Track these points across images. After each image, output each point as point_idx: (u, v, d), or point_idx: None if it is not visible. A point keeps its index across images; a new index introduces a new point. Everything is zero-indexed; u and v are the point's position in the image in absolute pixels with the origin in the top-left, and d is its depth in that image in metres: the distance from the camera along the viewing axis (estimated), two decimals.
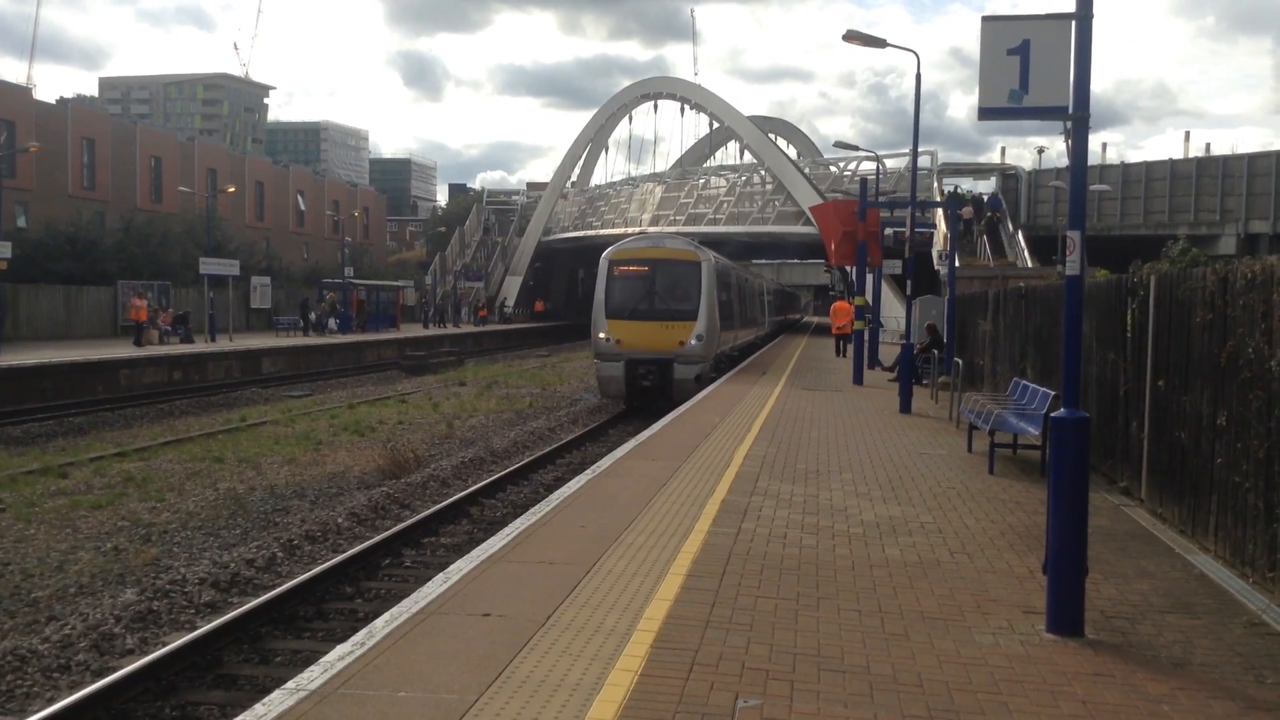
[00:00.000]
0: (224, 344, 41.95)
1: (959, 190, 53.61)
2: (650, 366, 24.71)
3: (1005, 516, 10.31)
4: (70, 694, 7.77)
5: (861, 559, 8.47)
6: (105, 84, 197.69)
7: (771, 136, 75.61)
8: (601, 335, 25.11)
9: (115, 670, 8.23)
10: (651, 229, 65.02)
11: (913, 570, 8.15)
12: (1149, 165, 50.84)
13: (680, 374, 24.60)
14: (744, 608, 7.05)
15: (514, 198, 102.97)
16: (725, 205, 68.93)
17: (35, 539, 12.92)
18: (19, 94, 62.10)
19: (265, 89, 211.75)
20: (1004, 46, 6.97)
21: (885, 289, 41.28)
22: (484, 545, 8.82)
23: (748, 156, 73.78)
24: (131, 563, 11.83)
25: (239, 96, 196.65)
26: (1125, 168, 51.86)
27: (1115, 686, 5.79)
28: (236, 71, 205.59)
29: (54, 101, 69.85)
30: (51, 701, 7.75)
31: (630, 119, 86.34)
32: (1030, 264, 44.19)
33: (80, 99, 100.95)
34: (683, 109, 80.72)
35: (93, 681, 8.07)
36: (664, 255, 25.90)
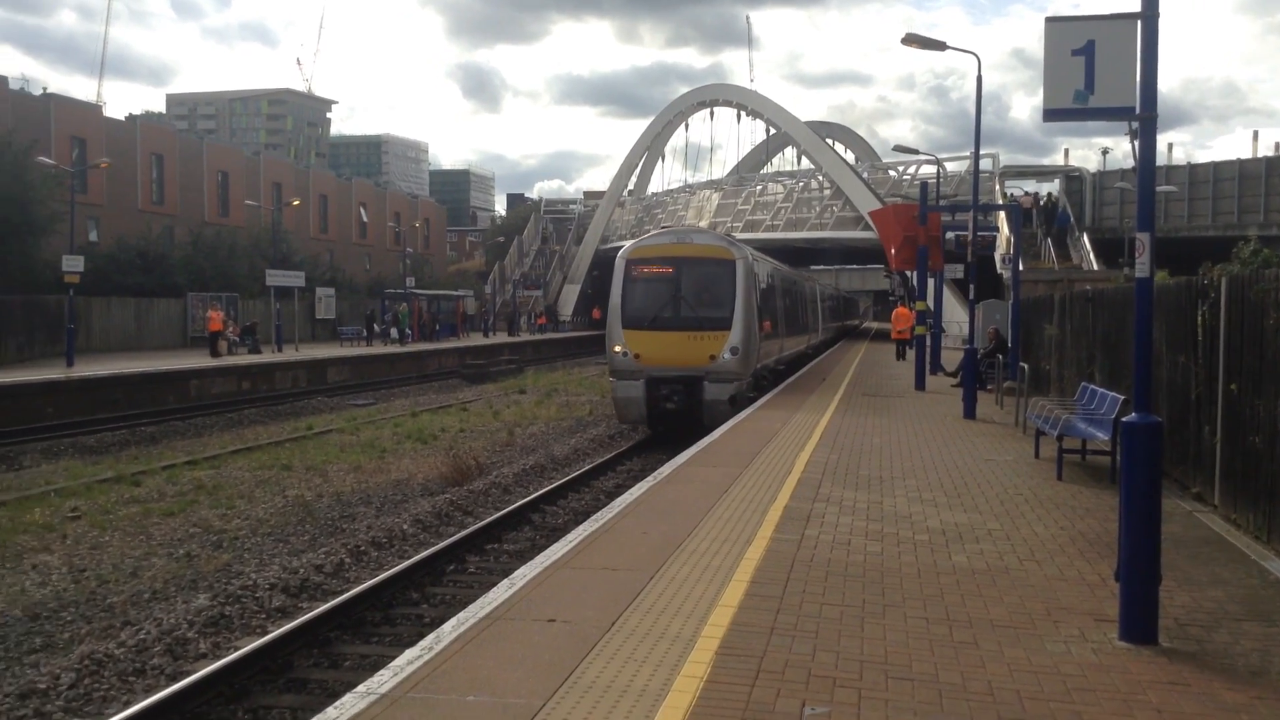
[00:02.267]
0: (290, 354, 42.64)
1: (1023, 194, 52.86)
2: (675, 386, 20.86)
3: (1075, 523, 10.15)
4: (145, 697, 7.94)
5: (928, 566, 8.39)
6: (172, 100, 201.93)
7: (829, 141, 75.31)
8: (617, 349, 21.24)
9: (189, 674, 8.39)
10: None
11: (981, 578, 8.06)
12: (1217, 165, 49.89)
13: (711, 394, 20.78)
14: (809, 615, 7.02)
15: (571, 206, 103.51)
16: (783, 211, 68.74)
17: (110, 546, 13.22)
18: (90, 112, 63.70)
19: (328, 103, 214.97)
20: (1069, 47, 6.89)
21: (947, 293, 40.84)
22: (547, 551, 8.87)
23: (805, 162, 73.57)
24: (203, 568, 12.07)
25: (302, 111, 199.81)
26: (1192, 168, 50.94)
27: (1191, 696, 5.68)
28: (300, 87, 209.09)
29: (123, 119, 71.55)
30: (128, 705, 7.93)
31: (687, 126, 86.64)
32: (1096, 267, 43.52)
33: (148, 116, 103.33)
34: (739, 115, 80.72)
35: (167, 685, 8.24)
36: (691, 253, 21.83)
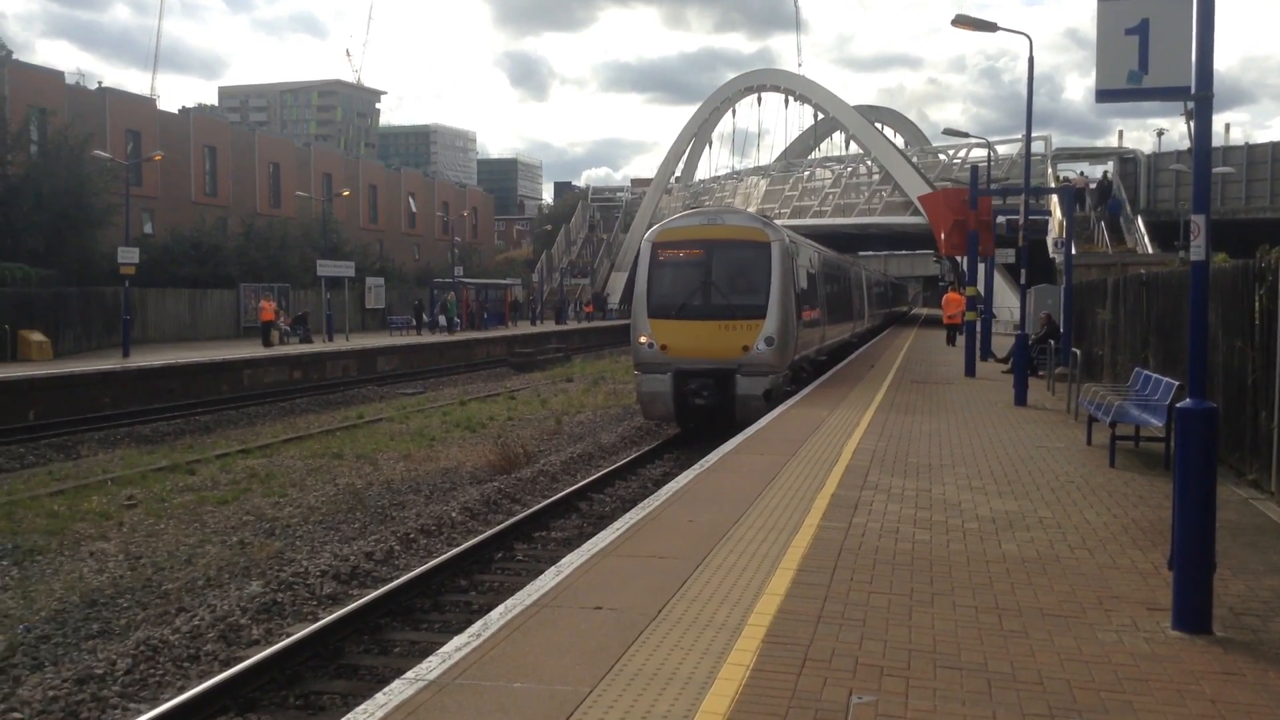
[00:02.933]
0: (340, 344, 43.07)
1: (1078, 174, 52.03)
2: (705, 380, 19.39)
3: (1128, 511, 10.01)
4: (200, 683, 8.08)
5: (977, 554, 8.31)
6: (224, 93, 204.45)
7: (878, 126, 74.68)
8: (643, 339, 19.81)
9: (242, 660, 8.53)
10: None
11: (1031, 566, 7.97)
12: (1275, 146, 48.78)
13: (744, 389, 19.30)
14: (856, 603, 6.98)
15: (618, 194, 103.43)
16: (831, 197, 68.27)
17: (165, 533, 13.45)
18: (144, 105, 64.60)
19: (377, 94, 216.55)
20: (1122, 26, 6.77)
21: (998, 278, 40.36)
22: (594, 539, 8.90)
23: (853, 147, 73.01)
24: (256, 556, 12.24)
25: (351, 102, 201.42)
26: (1250, 149, 49.85)
27: (1246, 686, 5.58)
28: (349, 78, 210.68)
29: (176, 111, 72.45)
30: (182, 690, 8.07)
31: (734, 112, 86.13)
32: (1150, 250, 42.77)
33: (201, 108, 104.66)
34: (786, 101, 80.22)
35: (221, 671, 8.37)
36: (723, 235, 20.25)
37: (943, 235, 29.93)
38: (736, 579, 7.54)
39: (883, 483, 11.32)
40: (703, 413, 19.77)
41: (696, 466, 12.57)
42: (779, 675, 5.68)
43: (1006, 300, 43.31)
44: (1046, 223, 38.54)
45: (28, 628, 9.78)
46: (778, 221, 24.90)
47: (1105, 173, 51.26)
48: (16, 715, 7.75)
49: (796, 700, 5.34)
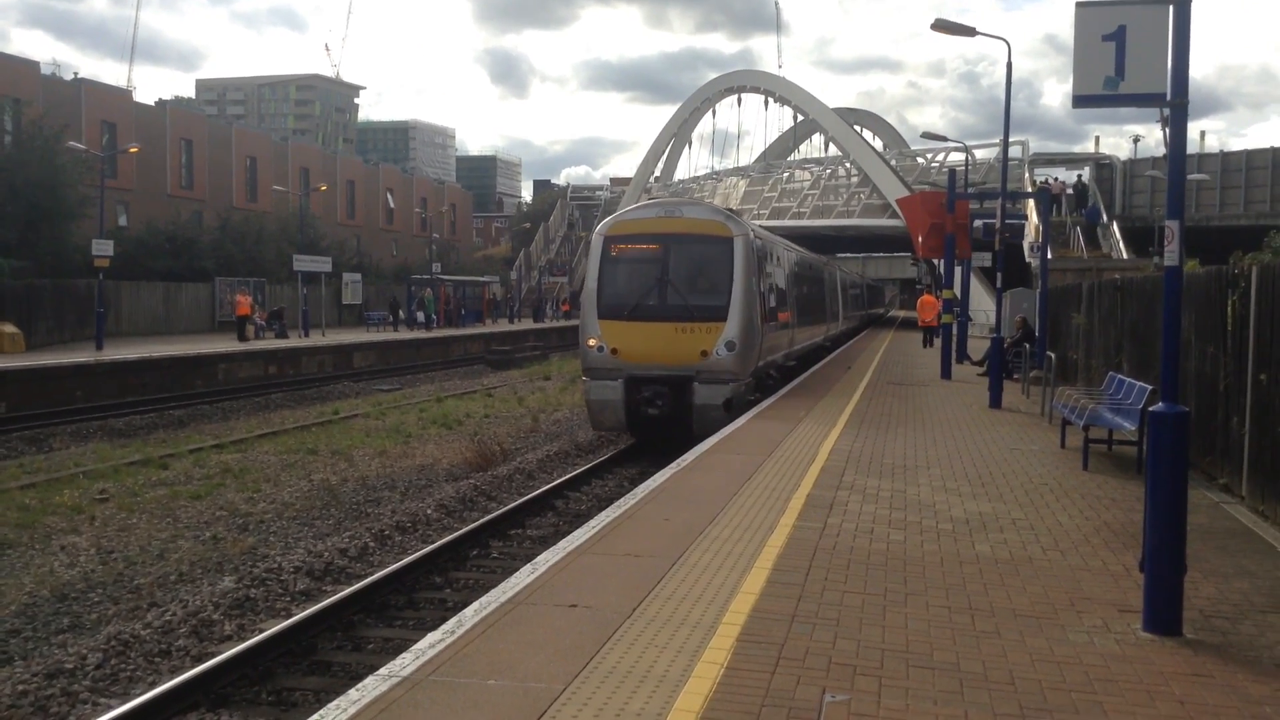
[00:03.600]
0: (317, 339, 42.89)
1: (1055, 180, 52.38)
2: (660, 387, 17.92)
3: (1100, 513, 10.08)
4: (171, 678, 8.02)
5: (951, 555, 8.36)
6: (202, 85, 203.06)
7: (857, 128, 74.95)
8: (591, 342, 18.28)
9: (214, 655, 8.47)
10: None
11: (1004, 567, 8.02)
12: (1249, 154, 49.31)
13: (703, 398, 17.79)
14: (830, 603, 7.01)
15: (598, 193, 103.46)
16: (810, 199, 68.49)
17: (137, 528, 13.35)
18: (120, 96, 64.13)
19: (355, 89, 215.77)
20: (1099, 32, 6.82)
21: (974, 282, 40.62)
22: (570, 537, 8.89)
23: (833, 149, 73.22)
24: (229, 551, 12.17)
25: (330, 97, 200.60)
26: (1224, 156, 50.37)
27: (1215, 687, 5.64)
28: (328, 72, 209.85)
29: (153, 104, 71.98)
30: (153, 685, 8.01)
31: (714, 113, 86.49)
32: (1125, 255, 43.14)
33: (178, 101, 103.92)
34: (766, 102, 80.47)
35: (192, 666, 8.32)
36: (681, 229, 18.64)
37: (920, 238, 30.12)
38: (712, 578, 7.55)
39: (858, 483, 11.37)
40: (656, 423, 18.23)
41: (673, 465, 12.59)
42: (753, 674, 5.70)
43: (982, 304, 43.58)
44: (1023, 227, 38.80)
45: None
46: (756, 222, 24.72)
47: (1080, 177, 51.66)
48: None
49: (770, 699, 5.36)
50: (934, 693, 5.47)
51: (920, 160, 66.97)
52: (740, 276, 18.21)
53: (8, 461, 18.81)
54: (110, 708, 7.55)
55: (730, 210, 20.03)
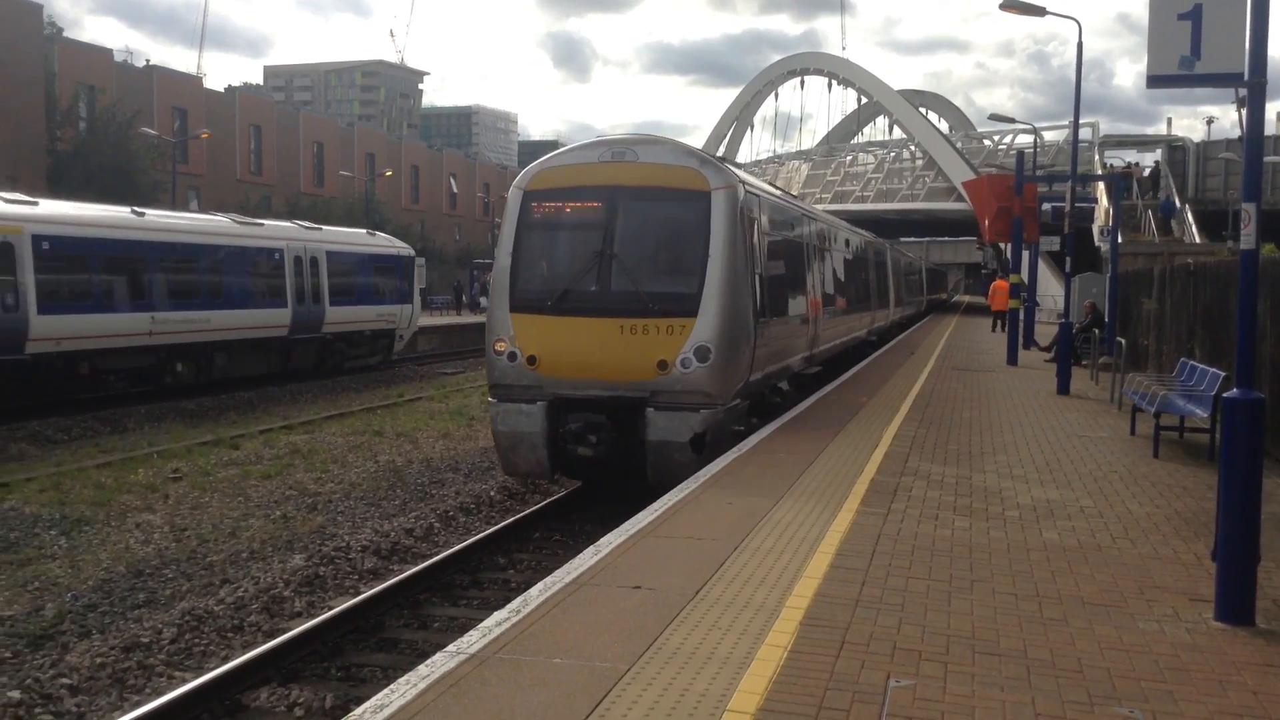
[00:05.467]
0: None
1: (1135, 165, 51.35)
2: (596, 416, 12.42)
3: (1171, 501, 9.92)
4: (243, 653, 8.21)
5: (1017, 542, 8.27)
6: (270, 72, 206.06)
7: (922, 110, 74.11)
8: (500, 346, 12.82)
9: (285, 631, 8.67)
10: None
11: (1072, 555, 7.92)
12: None
13: (660, 432, 12.29)
14: (895, 588, 6.98)
15: None
16: (873, 182, 67.88)
17: (210, 506, 13.65)
18: (191, 83, 65.33)
19: (420, 75, 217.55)
20: (1174, 10, 6.68)
21: (1042, 266, 39.99)
22: (633, 520, 8.93)
23: (897, 132, 72.48)
24: (299, 530, 12.41)
25: (395, 83, 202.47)
26: None
27: None
28: (392, 58, 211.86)
29: (223, 90, 73.15)
30: (226, 660, 8.21)
31: (776, 96, 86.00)
32: (1198, 239, 42.18)
33: (247, 87, 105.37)
34: (830, 84, 79.85)
35: (264, 642, 8.51)
36: (634, 178, 12.97)
37: (987, 221, 29.72)
38: (775, 562, 7.56)
39: (922, 469, 11.28)
40: (592, 467, 12.91)
41: (735, 450, 12.57)
42: (816, 657, 5.70)
43: (1050, 288, 42.93)
44: (1093, 210, 38.14)
45: (76, 596, 9.97)
46: (818, 206, 23.53)
47: (1156, 163, 50.57)
48: (66, 680, 7.92)
49: (834, 682, 5.36)
50: (1000, 679, 5.43)
51: (987, 143, 66.08)
52: (721, 250, 12.55)
53: (84, 441, 19.30)
54: (185, 680, 7.76)
55: (715, 156, 14.40)
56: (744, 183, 13.74)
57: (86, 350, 22.58)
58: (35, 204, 22.34)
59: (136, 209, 24.92)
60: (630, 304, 12.50)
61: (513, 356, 12.69)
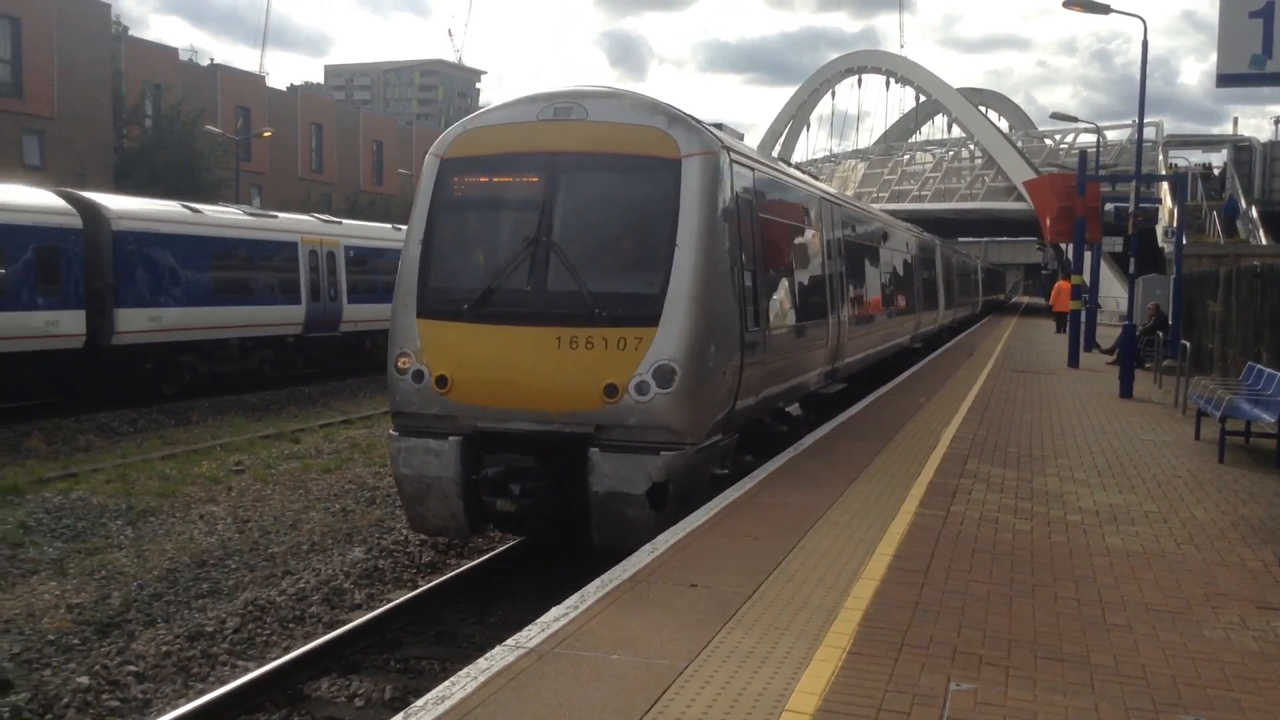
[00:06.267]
0: None
1: (1201, 167, 50.42)
2: (522, 458, 9.71)
3: (1237, 507, 9.74)
4: (305, 643, 8.35)
5: (1080, 547, 8.17)
6: (330, 71, 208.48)
7: (982, 109, 73.27)
8: (402, 362, 10.11)
9: (345, 623, 8.79)
10: None
11: (1135, 560, 7.81)
12: None
13: (606, 480, 9.47)
14: (954, 591, 6.92)
15: None
16: (931, 181, 67.27)
17: (271, 499, 13.87)
18: (254, 82, 66.34)
19: (477, 73, 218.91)
20: (1246, 9, 6.58)
21: (1104, 267, 39.38)
22: (688, 518, 8.92)
23: (956, 130, 71.75)
24: (358, 523, 12.57)
25: (453, 81, 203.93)
26: None
27: None
28: (450, 57, 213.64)
29: (285, 89, 74.17)
30: (288, 650, 8.35)
31: (833, 94, 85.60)
32: (1265, 241, 41.30)
33: (308, 86, 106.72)
34: (888, 83, 79.26)
35: (325, 633, 8.64)
36: (581, 142, 10.14)
37: (1048, 221, 29.31)
38: (832, 563, 7.52)
39: (982, 472, 11.17)
40: (521, 524, 10.26)
41: (790, 450, 12.51)
42: (875, 659, 5.67)
43: (1112, 290, 42.27)
44: (1156, 211, 37.48)
45: (141, 585, 10.19)
46: (875, 205, 22.06)
47: (1225, 164, 49.60)
48: (132, 668, 8.09)
49: (894, 684, 5.33)
50: (1063, 684, 5.37)
51: (1048, 142, 65.23)
52: (694, 236, 9.61)
53: (149, 433, 19.69)
54: (247, 670, 7.90)
55: (692, 116, 10.51)
56: (730, 149, 10.63)
57: (370, 331, 29.73)
58: (340, 223, 31.49)
59: (396, 225, 31.06)
60: (571, 308, 9.58)
61: (418, 376, 9.91)
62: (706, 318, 9.65)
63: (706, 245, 9.67)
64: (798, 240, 13.84)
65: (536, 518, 9.88)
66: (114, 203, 23.63)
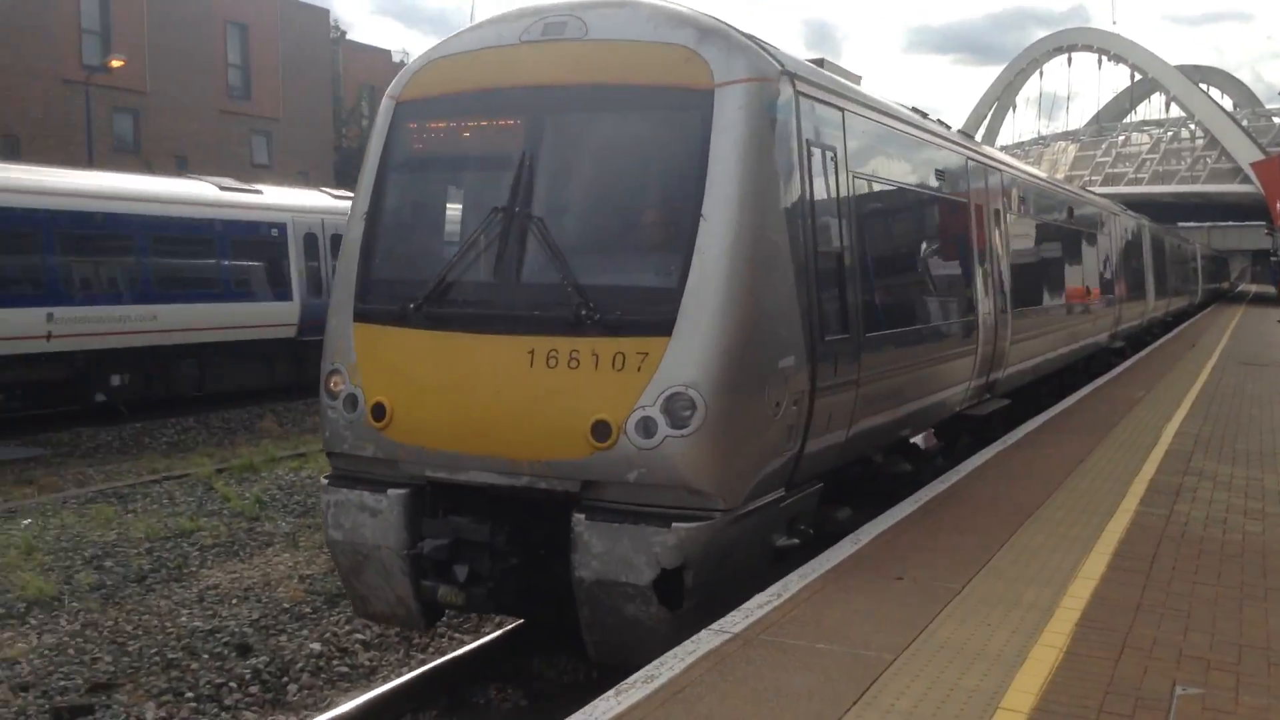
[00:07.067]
0: None
1: None
2: (476, 525, 6.82)
3: None
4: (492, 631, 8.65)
5: None
6: None
7: (1203, 87, 69.20)
8: (334, 383, 7.31)
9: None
10: None
11: None
12: None
13: (595, 562, 6.49)
14: (1179, 593, 6.60)
15: None
16: (1148, 163, 63.95)
17: None
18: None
19: None
20: None
21: None
22: (893, 510, 8.79)
23: (1174, 110, 67.99)
24: None
25: None
26: None
27: None
28: None
29: None
30: (500, 626, 8.66)
31: (1041, 74, 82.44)
32: None
33: None
34: (1100, 61, 75.84)
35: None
36: (578, 71, 7.15)
37: (1278, 205, 27.43)
38: (1045, 560, 7.29)
39: (1207, 469, 10.59)
40: (485, 606, 7.28)
41: (997, 444, 12.15)
42: (1095, 660, 5.48)
43: None
44: None
45: None
46: (1093, 191, 19.06)
47: None
48: (359, 636, 8.59)
49: (1115, 686, 5.14)
50: None
51: (1277, 120, 60.94)
52: (732, 201, 6.69)
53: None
54: (464, 643, 8.26)
55: (731, 26, 7.32)
56: (797, 77, 7.54)
57: None
58: None
59: None
60: (549, 308, 6.79)
61: (352, 402, 7.23)
62: (747, 321, 6.67)
63: (750, 215, 6.71)
64: (925, 213, 10.90)
65: (505, 606, 7.32)
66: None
